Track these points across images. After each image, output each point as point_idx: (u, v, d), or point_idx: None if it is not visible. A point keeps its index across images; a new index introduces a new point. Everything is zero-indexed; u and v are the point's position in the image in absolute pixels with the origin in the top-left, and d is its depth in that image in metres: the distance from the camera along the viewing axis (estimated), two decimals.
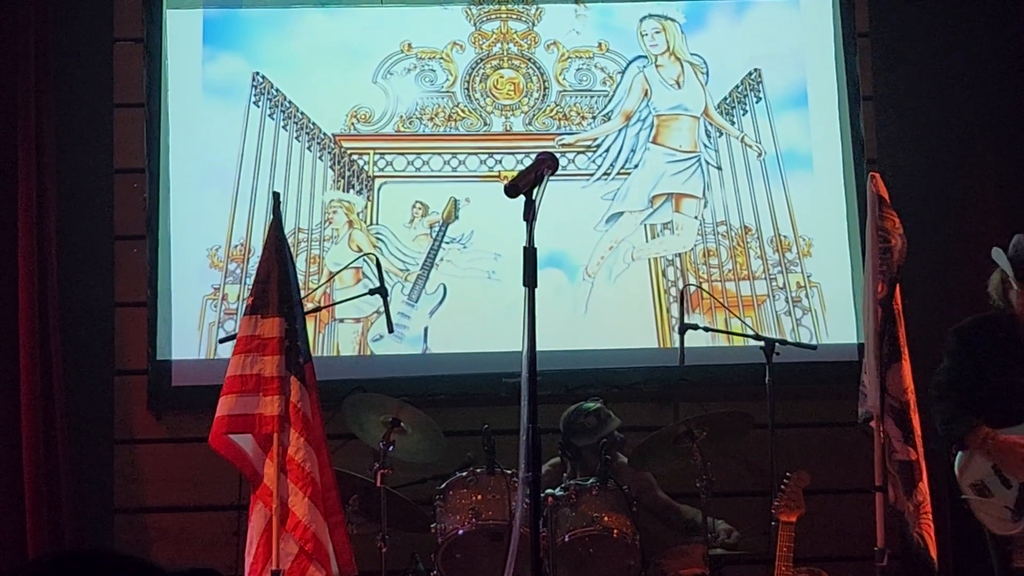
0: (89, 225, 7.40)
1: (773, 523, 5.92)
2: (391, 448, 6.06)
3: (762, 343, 6.37)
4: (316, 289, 6.82)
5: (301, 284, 6.40)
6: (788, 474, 5.96)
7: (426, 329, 6.72)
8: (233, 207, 6.80)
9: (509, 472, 5.91)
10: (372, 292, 6.48)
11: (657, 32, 6.95)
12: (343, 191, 6.80)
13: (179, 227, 7.30)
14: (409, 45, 6.95)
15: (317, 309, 6.64)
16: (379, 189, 6.81)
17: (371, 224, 6.83)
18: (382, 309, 6.35)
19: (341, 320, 6.77)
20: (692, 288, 6.86)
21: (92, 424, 7.27)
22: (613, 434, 6.45)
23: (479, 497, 5.95)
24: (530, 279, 4.19)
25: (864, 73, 7.62)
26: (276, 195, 5.79)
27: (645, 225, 6.82)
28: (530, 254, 4.21)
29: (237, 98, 6.88)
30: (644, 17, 6.98)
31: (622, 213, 6.81)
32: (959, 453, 6.04)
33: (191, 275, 7.26)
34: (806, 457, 6.61)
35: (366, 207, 6.78)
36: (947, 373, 6.11)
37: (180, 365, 7.21)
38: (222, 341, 6.34)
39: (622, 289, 6.73)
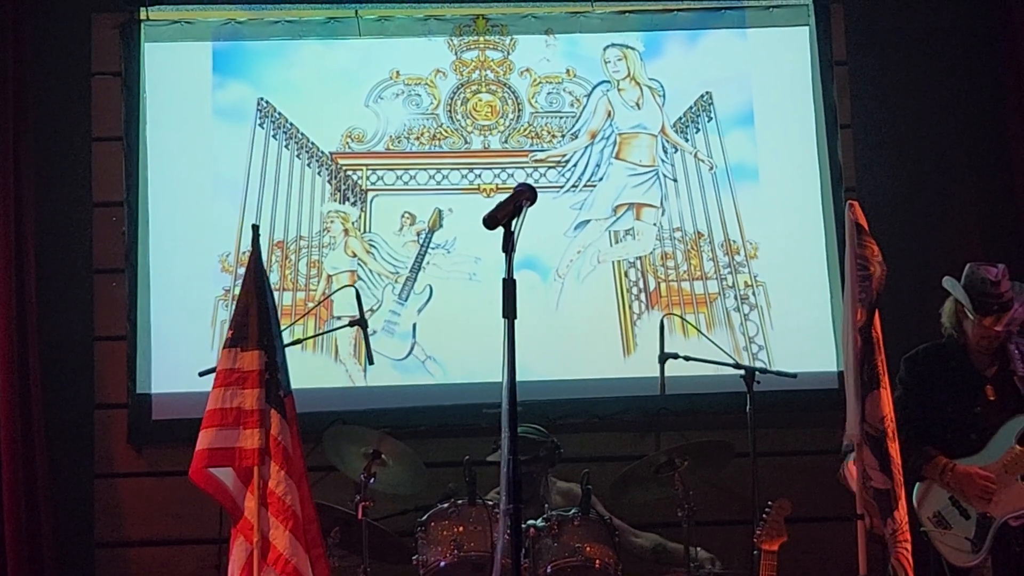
0: (68, 259, 7.39)
1: (755, 552, 5.90)
2: (372, 480, 6.05)
3: (742, 372, 6.38)
4: (316, 305, 7.25)
5: (302, 285, 7.04)
6: (770, 503, 5.94)
7: (414, 325, 7.18)
8: (241, 217, 7.23)
9: (491, 503, 5.90)
10: (352, 323, 6.49)
11: (619, 60, 7.50)
12: (339, 203, 7.29)
13: (159, 260, 7.40)
14: (397, 73, 7.46)
15: (297, 342, 6.64)
16: (371, 201, 7.31)
17: (365, 232, 7.31)
18: (377, 306, 7.05)
19: (339, 317, 7.09)
20: (673, 317, 6.92)
21: (72, 458, 7.24)
22: (553, 454, 6.51)
23: (461, 528, 5.92)
24: (509, 311, 4.16)
25: (842, 100, 7.67)
26: (255, 228, 5.78)
27: (609, 232, 7.35)
28: (509, 286, 4.18)
29: (244, 121, 7.37)
30: (607, 46, 7.53)
31: (589, 221, 7.34)
32: (916, 484, 6.02)
33: (172, 308, 7.36)
34: (788, 485, 6.60)
35: (360, 217, 7.27)
36: (900, 403, 6.06)
37: (160, 399, 7.25)
38: (202, 374, 6.32)
39: (589, 288, 7.25)
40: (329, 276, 7.22)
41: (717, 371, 6.62)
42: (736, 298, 7.28)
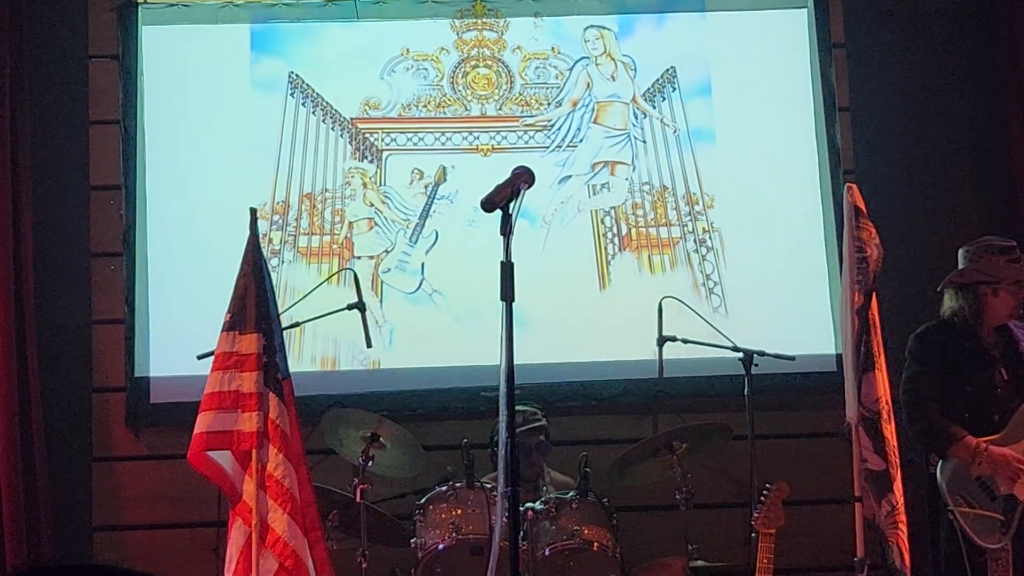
0: (65, 243, 7.37)
1: (753, 535, 5.89)
2: (370, 463, 6.05)
3: (740, 354, 6.39)
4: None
5: (327, 230, 7.63)
6: (768, 485, 5.91)
7: (423, 264, 7.83)
8: (275, 174, 7.84)
9: (488, 486, 5.91)
10: (351, 307, 6.50)
11: (597, 39, 8.21)
12: (359, 161, 7.97)
13: (156, 243, 7.46)
14: (407, 50, 8.07)
15: (294, 326, 6.63)
16: (386, 159, 8.00)
17: (380, 185, 7.95)
18: (391, 248, 7.75)
19: (358, 258, 7.72)
20: (668, 300, 6.91)
21: (70, 442, 7.23)
22: (541, 442, 6.54)
23: (459, 511, 5.93)
24: (508, 293, 4.15)
25: (840, 83, 7.67)
26: (253, 211, 5.77)
27: (588, 185, 8.01)
28: (507, 269, 4.16)
29: (278, 91, 7.98)
30: (587, 27, 8.20)
31: (570, 176, 8.01)
32: (940, 463, 5.97)
33: (168, 292, 7.42)
34: (785, 468, 6.59)
35: (376, 173, 7.96)
36: (918, 380, 6.03)
37: (158, 382, 7.27)
38: (200, 357, 6.33)
39: (570, 233, 7.92)
40: (350, 223, 7.88)
41: (715, 354, 6.64)
42: (695, 241, 7.92)
